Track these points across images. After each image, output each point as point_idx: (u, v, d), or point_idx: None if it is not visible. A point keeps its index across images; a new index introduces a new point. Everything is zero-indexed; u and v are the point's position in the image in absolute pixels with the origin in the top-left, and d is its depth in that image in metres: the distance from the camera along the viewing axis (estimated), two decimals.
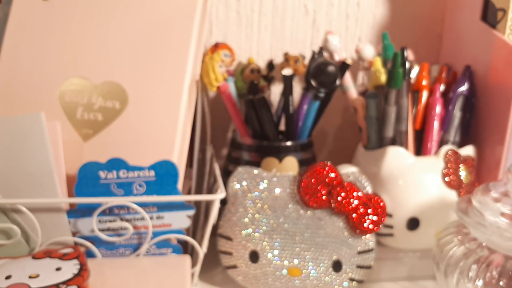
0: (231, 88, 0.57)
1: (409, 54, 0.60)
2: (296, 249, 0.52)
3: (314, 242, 0.52)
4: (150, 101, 0.51)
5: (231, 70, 0.61)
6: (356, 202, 0.51)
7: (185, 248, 0.52)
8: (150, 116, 0.50)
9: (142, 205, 0.47)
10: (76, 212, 0.47)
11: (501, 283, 0.45)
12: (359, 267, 0.52)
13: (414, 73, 0.60)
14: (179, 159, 0.51)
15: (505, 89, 0.54)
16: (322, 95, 0.55)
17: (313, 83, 0.54)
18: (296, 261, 0.52)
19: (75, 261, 0.43)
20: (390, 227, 0.55)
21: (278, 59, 0.66)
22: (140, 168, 0.47)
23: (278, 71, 0.62)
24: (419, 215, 0.54)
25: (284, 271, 0.52)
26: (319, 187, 0.51)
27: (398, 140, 0.57)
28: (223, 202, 0.51)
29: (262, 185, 0.53)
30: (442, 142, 0.58)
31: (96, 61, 0.52)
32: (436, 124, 0.58)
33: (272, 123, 0.57)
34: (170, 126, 0.50)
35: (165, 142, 0.50)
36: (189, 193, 0.55)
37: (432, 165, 0.56)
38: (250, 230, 0.52)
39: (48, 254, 0.44)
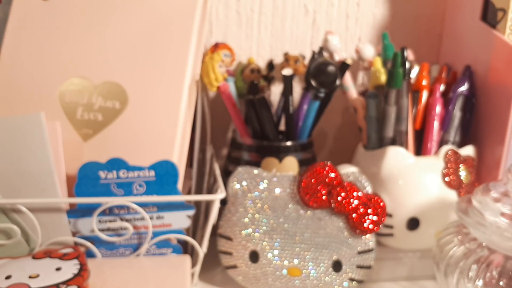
0: (231, 88, 0.57)
1: (409, 54, 0.60)
2: (296, 249, 0.52)
3: (314, 242, 0.52)
4: (150, 101, 0.51)
5: (231, 70, 0.61)
6: (356, 202, 0.51)
7: (185, 248, 0.51)
8: (150, 116, 0.50)
9: (142, 205, 0.47)
10: (76, 212, 0.47)
11: (501, 283, 0.45)
12: (359, 267, 0.52)
13: (414, 73, 0.60)
14: (179, 159, 0.51)
15: (505, 89, 0.54)
16: (322, 95, 0.55)
17: (313, 83, 0.54)
18: (296, 261, 0.52)
19: (75, 261, 0.43)
20: (390, 227, 0.55)
21: (278, 59, 0.66)
22: (140, 168, 0.47)
23: (278, 71, 0.62)
24: (419, 215, 0.54)
25: (284, 271, 0.52)
26: (319, 187, 0.51)
27: (398, 140, 0.57)
28: (223, 202, 0.51)
29: (262, 185, 0.53)
30: (442, 142, 0.58)
31: (96, 61, 0.52)
32: (436, 124, 0.58)
33: (272, 123, 0.57)
34: (170, 126, 0.50)
35: (165, 142, 0.50)
36: (189, 193, 0.55)
37: (432, 165, 0.56)
38: (250, 230, 0.52)
39: (48, 254, 0.44)
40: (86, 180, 0.47)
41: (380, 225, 0.51)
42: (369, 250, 0.52)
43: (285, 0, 0.66)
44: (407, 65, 0.56)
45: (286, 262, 0.52)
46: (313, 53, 0.61)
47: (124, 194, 0.47)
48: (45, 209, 0.47)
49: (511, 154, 0.54)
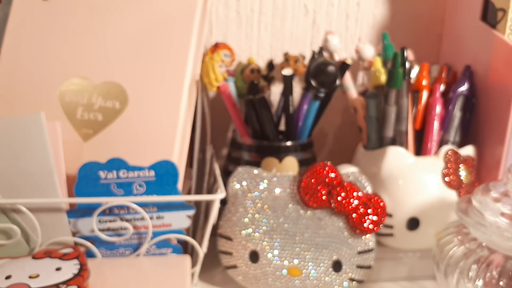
0: (231, 88, 0.57)
1: (409, 54, 0.60)
2: (296, 249, 0.52)
3: (314, 242, 0.52)
4: (150, 101, 0.51)
5: (231, 70, 0.61)
6: (356, 202, 0.51)
7: (185, 248, 0.52)
8: (150, 116, 0.50)
9: (142, 205, 0.47)
10: (76, 212, 0.47)
11: (501, 283, 0.45)
12: (359, 267, 0.52)
13: (414, 73, 0.60)
14: (179, 159, 0.51)
15: (505, 89, 0.54)
16: (322, 95, 0.55)
17: (313, 83, 0.54)
18: (296, 261, 0.52)
19: (75, 261, 0.43)
20: (390, 227, 0.55)
21: (278, 59, 0.66)
22: (140, 168, 0.47)
23: (278, 71, 0.62)
24: (419, 215, 0.54)
25: (284, 271, 0.52)
26: (319, 187, 0.51)
27: (398, 140, 0.57)
28: (223, 202, 0.51)
29: (262, 185, 0.53)
30: (442, 142, 0.58)
31: (96, 61, 0.52)
32: (436, 124, 0.58)
33: (272, 123, 0.57)
34: (170, 126, 0.50)
35: (165, 142, 0.50)
36: (189, 193, 0.55)
37: (432, 165, 0.56)
38: (250, 230, 0.52)
39: (48, 254, 0.44)
40: (86, 180, 0.47)
41: (380, 225, 0.51)
42: (369, 250, 0.52)
43: (285, 0, 0.66)
44: (407, 65, 0.56)
45: (286, 262, 0.52)
46: (313, 53, 0.61)
47: (124, 194, 0.47)
48: (45, 209, 0.47)
49: (511, 154, 0.54)
